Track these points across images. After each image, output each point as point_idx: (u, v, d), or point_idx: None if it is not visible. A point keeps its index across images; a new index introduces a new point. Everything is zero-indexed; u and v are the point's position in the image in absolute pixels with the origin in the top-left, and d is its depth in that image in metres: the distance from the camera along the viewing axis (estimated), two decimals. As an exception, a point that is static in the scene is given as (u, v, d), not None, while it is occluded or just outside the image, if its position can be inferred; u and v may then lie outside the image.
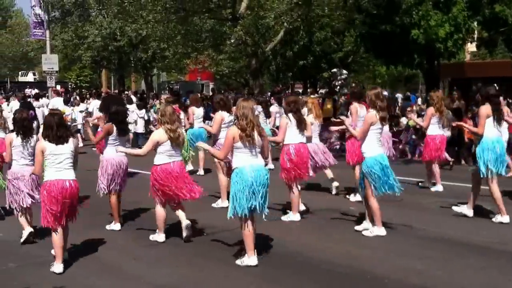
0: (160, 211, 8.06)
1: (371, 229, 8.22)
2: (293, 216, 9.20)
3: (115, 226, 8.91)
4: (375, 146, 8.14)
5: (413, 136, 16.66)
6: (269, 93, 25.81)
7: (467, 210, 9.25)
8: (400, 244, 7.86)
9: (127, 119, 9.58)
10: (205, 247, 7.86)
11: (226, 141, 6.97)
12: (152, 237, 8.22)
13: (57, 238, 6.96)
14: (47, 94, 27.34)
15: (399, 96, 20.66)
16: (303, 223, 9.15)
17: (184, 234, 8.04)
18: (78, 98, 25.02)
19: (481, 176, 8.84)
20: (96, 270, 7.02)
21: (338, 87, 20.69)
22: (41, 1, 29.71)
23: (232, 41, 27.79)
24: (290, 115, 9.22)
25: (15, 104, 19.94)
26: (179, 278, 6.69)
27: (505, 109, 10.95)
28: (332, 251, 7.55)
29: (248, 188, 6.82)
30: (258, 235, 8.26)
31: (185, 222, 8.07)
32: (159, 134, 7.94)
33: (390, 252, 7.48)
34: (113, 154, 8.78)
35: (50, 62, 29.63)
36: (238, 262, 7.00)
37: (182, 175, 8.04)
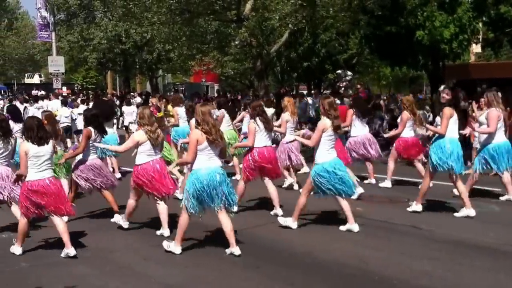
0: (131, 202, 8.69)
1: (287, 221, 8.78)
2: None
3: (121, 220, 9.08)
4: (325, 154, 8.41)
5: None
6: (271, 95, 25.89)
7: (467, 211, 9.43)
8: (407, 245, 7.91)
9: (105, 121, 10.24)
10: (213, 247, 7.93)
11: (191, 145, 7.36)
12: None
13: (22, 224, 7.66)
14: (49, 96, 27.41)
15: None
16: (311, 223, 9.21)
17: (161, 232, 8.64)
18: (78, 100, 25.13)
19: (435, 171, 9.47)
20: (107, 270, 7.11)
21: (343, 88, 20.75)
22: (46, 4, 29.89)
23: (236, 42, 27.86)
24: (257, 119, 9.62)
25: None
26: (189, 277, 6.75)
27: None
28: (340, 252, 7.61)
29: (197, 192, 7.36)
30: (267, 235, 8.46)
31: (164, 217, 8.62)
32: (139, 135, 8.49)
33: (397, 253, 7.54)
34: (87, 157, 9.37)
35: (56, 64, 29.87)
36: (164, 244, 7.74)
37: (161, 171, 8.51)
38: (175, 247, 7.64)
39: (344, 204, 8.64)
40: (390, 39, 19.46)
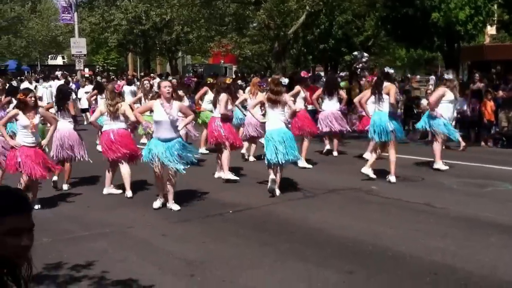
0: (124, 170, 10.00)
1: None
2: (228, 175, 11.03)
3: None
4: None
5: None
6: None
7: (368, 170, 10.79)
8: (421, 222, 7.98)
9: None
10: (231, 224, 8.16)
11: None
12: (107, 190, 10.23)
13: None
14: (58, 77, 28.04)
15: (432, 78, 20.69)
16: (326, 201, 9.43)
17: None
18: (85, 80, 26.09)
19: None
20: (127, 245, 7.26)
21: (359, 70, 20.95)
22: (69, -14, 30.33)
23: (254, 24, 28.16)
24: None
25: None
26: (207, 253, 6.86)
27: None
28: (355, 229, 7.69)
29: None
30: (283, 213, 8.68)
31: (127, 182, 9.97)
32: (101, 106, 10.24)
33: (411, 230, 7.59)
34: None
35: (79, 45, 30.37)
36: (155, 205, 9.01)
37: (121, 140, 9.96)
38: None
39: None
40: (406, 21, 19.58)
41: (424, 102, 17.97)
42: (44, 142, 9.32)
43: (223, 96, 11.26)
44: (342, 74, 23.84)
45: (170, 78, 19.22)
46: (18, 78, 32.40)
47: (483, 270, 6.12)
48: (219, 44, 35.64)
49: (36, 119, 9.01)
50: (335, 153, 14.09)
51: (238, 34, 30.41)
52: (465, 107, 16.60)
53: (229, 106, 11.45)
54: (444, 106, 11.71)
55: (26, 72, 42.88)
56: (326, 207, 9.06)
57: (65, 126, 10.64)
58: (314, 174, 11.63)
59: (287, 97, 10.04)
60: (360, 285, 5.79)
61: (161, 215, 8.77)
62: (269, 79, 10.81)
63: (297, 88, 12.54)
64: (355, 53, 23.18)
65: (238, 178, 11.16)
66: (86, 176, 11.35)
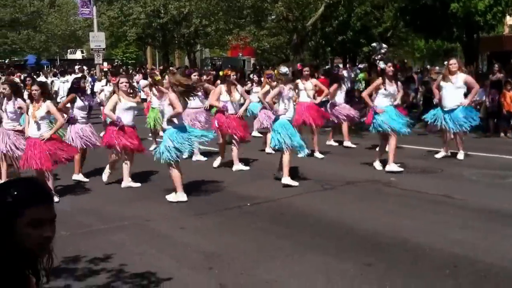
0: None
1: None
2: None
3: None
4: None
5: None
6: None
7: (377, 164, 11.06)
8: (440, 214, 7.94)
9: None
10: (249, 217, 8.17)
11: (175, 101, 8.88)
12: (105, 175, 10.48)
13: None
14: (75, 71, 28.37)
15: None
16: (344, 193, 9.42)
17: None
18: (102, 74, 26.38)
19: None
20: (146, 239, 7.30)
21: (378, 61, 20.81)
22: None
23: (273, 17, 28.10)
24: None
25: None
26: (225, 246, 6.88)
27: None
28: (373, 221, 7.67)
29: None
30: (301, 205, 8.68)
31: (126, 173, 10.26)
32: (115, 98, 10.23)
33: (430, 222, 7.56)
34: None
35: (97, 39, 30.52)
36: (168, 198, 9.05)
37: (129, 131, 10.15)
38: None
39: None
40: (425, 12, 19.45)
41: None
42: (46, 135, 9.26)
43: (217, 88, 11.78)
44: (361, 66, 23.70)
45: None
46: (35, 72, 32.70)
47: (503, 261, 6.08)
48: (237, 37, 35.61)
49: (40, 111, 9.19)
50: (346, 143, 14.23)
51: (256, 27, 30.33)
52: (484, 98, 16.46)
53: (226, 97, 11.67)
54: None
55: (45, 67, 43.26)
56: (344, 200, 9.04)
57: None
58: (332, 166, 11.60)
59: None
60: (379, 278, 5.76)
61: (179, 208, 8.80)
62: (275, 71, 10.92)
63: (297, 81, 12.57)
64: (374, 44, 23.02)
65: (247, 167, 11.51)
66: (103, 169, 11.38)
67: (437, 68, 28.87)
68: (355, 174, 10.62)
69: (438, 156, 12.07)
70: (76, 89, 11.06)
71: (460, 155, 11.88)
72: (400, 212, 8.14)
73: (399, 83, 11.46)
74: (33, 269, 2.17)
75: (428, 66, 32.79)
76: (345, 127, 14.33)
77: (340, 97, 14.37)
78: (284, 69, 10.26)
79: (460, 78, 11.58)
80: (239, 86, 12.10)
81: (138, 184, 10.32)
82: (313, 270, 5.99)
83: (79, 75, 23.66)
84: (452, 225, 7.42)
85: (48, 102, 9.44)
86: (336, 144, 14.44)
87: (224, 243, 7.04)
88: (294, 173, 10.86)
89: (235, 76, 12.19)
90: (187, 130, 9.20)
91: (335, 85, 14.21)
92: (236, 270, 6.07)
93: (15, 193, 2.06)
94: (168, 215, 8.44)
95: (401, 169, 10.81)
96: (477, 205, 8.42)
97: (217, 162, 11.91)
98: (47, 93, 9.95)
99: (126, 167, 10.32)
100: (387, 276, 5.78)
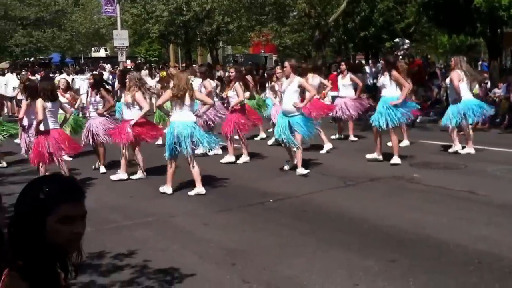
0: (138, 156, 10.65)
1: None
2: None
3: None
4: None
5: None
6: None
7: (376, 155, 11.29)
8: (464, 210, 7.91)
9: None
10: (272, 213, 8.19)
11: (163, 97, 9.60)
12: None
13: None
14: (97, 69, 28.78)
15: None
16: (367, 190, 9.39)
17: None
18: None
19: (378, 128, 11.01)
20: (169, 234, 7.36)
21: (400, 57, 20.69)
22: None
23: (295, 13, 28.06)
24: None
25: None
26: (248, 242, 6.91)
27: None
28: (397, 218, 7.65)
29: (173, 138, 9.06)
30: (324, 201, 8.68)
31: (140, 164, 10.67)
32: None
33: (455, 218, 7.52)
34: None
35: (121, 37, 30.70)
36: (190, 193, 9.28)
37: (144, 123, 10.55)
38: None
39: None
40: (448, 7, 19.22)
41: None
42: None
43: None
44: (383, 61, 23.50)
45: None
46: (59, 70, 33.06)
47: (528, 258, 6.02)
48: (259, 33, 35.59)
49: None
50: (352, 138, 14.50)
51: (278, 23, 30.29)
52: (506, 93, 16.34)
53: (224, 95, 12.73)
54: None
55: (69, 65, 43.60)
56: (367, 196, 9.00)
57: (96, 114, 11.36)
58: (355, 162, 11.54)
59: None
60: (403, 274, 5.74)
61: (203, 204, 8.85)
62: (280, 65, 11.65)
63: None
64: (397, 40, 22.93)
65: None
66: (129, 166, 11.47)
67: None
68: (378, 170, 10.57)
69: (462, 151, 11.94)
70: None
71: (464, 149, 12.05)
72: (424, 208, 8.10)
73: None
74: (62, 265, 2.19)
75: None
76: (351, 122, 14.55)
77: (346, 91, 14.35)
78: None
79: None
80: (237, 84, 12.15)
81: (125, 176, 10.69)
82: (336, 266, 5.99)
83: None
84: (476, 221, 7.38)
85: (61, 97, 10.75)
86: (356, 139, 14.47)
87: (247, 239, 7.07)
88: (316, 169, 10.88)
89: (233, 73, 12.40)
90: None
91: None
92: (259, 266, 6.10)
93: (47, 189, 2.08)
94: (191, 212, 8.48)
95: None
96: (501, 201, 8.35)
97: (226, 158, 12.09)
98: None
99: (139, 158, 10.71)
100: (411, 273, 5.76)
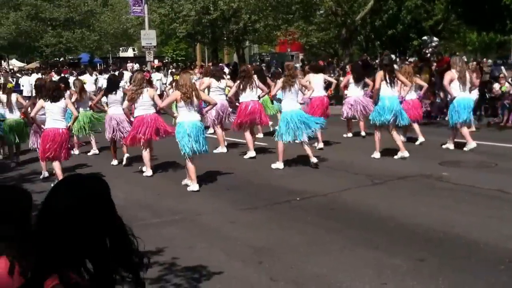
0: (144, 154, 10.87)
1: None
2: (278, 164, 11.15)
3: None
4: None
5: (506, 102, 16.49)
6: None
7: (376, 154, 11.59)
8: (494, 209, 7.83)
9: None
10: (299, 211, 8.16)
11: (169, 98, 10.03)
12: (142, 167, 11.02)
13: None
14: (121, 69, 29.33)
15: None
16: (395, 188, 9.30)
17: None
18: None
19: (377, 124, 11.42)
20: (196, 232, 7.40)
21: (429, 54, 20.47)
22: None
23: (321, 11, 27.97)
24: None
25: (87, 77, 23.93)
26: (275, 240, 6.90)
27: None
28: (426, 216, 7.57)
29: (188, 137, 9.32)
30: (351, 200, 8.63)
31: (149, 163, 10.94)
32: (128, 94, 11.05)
33: (485, 217, 7.45)
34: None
35: (149, 37, 30.93)
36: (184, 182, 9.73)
37: (152, 123, 10.68)
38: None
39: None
40: (477, 4, 19.03)
41: (496, 86, 17.46)
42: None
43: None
44: (411, 59, 23.35)
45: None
46: (81, 70, 33.56)
47: (560, 258, 5.93)
48: (285, 32, 35.55)
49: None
50: (362, 133, 14.62)
51: (305, 22, 30.24)
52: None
53: (219, 93, 13.52)
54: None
55: (97, 65, 44.08)
56: (395, 194, 8.93)
57: (116, 111, 11.90)
58: (383, 161, 11.46)
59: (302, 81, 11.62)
60: (432, 273, 5.69)
61: (230, 202, 8.87)
62: (285, 65, 12.10)
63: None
64: (425, 37, 22.66)
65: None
66: (157, 164, 11.56)
67: (489, 61, 28.35)
68: (406, 168, 10.48)
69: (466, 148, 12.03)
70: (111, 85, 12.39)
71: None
72: (453, 207, 8.01)
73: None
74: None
75: (483, 60, 32.07)
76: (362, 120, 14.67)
77: (356, 90, 14.41)
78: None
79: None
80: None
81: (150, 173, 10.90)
82: (364, 265, 5.96)
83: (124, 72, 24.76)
84: (507, 220, 7.29)
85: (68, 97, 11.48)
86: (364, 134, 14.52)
87: (274, 237, 7.06)
88: (342, 167, 10.84)
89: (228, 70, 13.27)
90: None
91: (346, 78, 14.80)
92: (286, 264, 6.09)
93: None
94: (218, 210, 8.50)
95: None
96: (533, 199, 8.20)
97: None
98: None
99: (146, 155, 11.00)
100: (440, 272, 5.70)
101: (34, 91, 13.37)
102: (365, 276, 5.68)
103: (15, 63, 55.32)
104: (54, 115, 10.10)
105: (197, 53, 49.43)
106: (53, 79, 17.84)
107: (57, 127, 10.10)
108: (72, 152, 11.73)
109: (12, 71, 40.27)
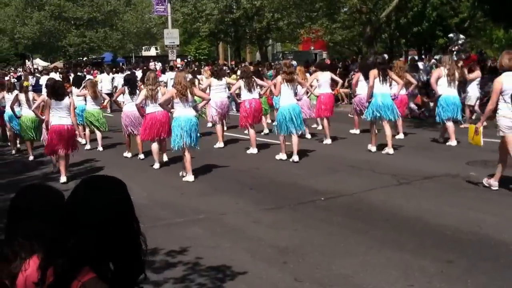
0: (153, 145, 11.64)
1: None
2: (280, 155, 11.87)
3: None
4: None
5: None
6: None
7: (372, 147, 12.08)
8: None
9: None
10: (323, 211, 8.08)
11: (166, 95, 10.49)
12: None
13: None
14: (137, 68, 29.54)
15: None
16: (421, 188, 9.16)
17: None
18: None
19: (369, 119, 12.00)
20: (219, 232, 7.35)
21: (455, 52, 20.24)
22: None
23: (345, 9, 27.80)
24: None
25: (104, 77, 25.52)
26: (299, 241, 6.84)
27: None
28: (453, 217, 7.46)
29: (180, 130, 9.98)
30: (377, 200, 8.52)
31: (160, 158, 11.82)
32: (144, 92, 11.59)
33: None
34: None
35: (172, 36, 31.08)
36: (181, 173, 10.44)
37: (163, 120, 11.56)
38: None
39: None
40: (504, 1, 18.76)
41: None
42: None
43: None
44: (437, 57, 23.10)
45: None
46: (99, 69, 33.90)
47: None
48: (309, 30, 35.43)
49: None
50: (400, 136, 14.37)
51: (328, 20, 30.08)
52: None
53: (210, 90, 14.15)
54: None
55: (120, 64, 44.34)
56: (422, 194, 8.80)
57: (130, 108, 12.57)
58: (409, 160, 11.33)
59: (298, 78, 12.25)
60: (460, 275, 5.59)
61: (253, 202, 8.82)
62: (282, 63, 13.08)
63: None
64: (451, 35, 22.42)
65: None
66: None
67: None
68: (432, 168, 10.33)
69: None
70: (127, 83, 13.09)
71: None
72: (481, 208, 7.88)
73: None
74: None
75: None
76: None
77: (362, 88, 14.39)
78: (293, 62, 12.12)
79: None
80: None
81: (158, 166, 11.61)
82: (390, 266, 5.87)
83: (138, 71, 25.10)
84: (538, 221, 7.13)
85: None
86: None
87: (298, 238, 7.00)
88: (367, 167, 10.73)
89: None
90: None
91: (356, 77, 14.90)
92: (311, 265, 6.02)
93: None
94: (242, 209, 8.45)
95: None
96: None
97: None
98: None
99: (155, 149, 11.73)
100: (468, 274, 5.60)
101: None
102: (391, 277, 5.60)
103: (39, 63, 55.89)
104: (60, 113, 10.57)
105: (219, 51, 49.50)
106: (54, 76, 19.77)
107: (63, 123, 10.60)
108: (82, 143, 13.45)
109: (36, 70, 40.64)
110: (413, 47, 33.51)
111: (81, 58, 51.67)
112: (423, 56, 27.61)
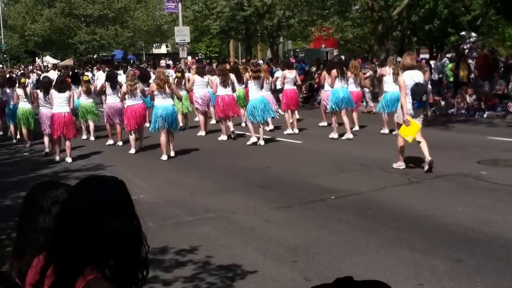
0: (162, 138, 12.52)
1: None
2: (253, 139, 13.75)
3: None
4: None
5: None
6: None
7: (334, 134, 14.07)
8: None
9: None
10: (333, 210, 8.09)
11: (149, 89, 12.78)
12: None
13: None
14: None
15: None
16: (432, 187, 9.14)
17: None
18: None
19: (330, 110, 14.30)
20: (230, 231, 7.36)
21: (467, 50, 20.14)
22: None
23: (357, 7, 27.72)
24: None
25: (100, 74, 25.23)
26: (309, 240, 6.85)
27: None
28: (464, 216, 7.46)
29: (158, 118, 12.13)
30: (387, 199, 8.53)
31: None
32: (124, 87, 13.60)
33: None
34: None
35: (182, 34, 31.05)
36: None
37: (141, 111, 13.69)
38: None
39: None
40: (517, -2, 18.65)
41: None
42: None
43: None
44: (448, 55, 22.98)
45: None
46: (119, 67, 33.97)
47: None
48: (320, 28, 35.34)
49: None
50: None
51: (340, 17, 30.00)
52: None
53: (202, 86, 16.36)
54: None
55: (131, 61, 44.50)
56: (432, 193, 8.79)
57: (112, 100, 14.82)
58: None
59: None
60: (470, 274, 5.58)
61: (264, 200, 8.83)
62: (250, 63, 16.05)
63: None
64: (463, 33, 22.31)
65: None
66: (190, 162, 11.60)
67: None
68: (443, 167, 10.28)
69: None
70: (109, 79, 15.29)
71: None
72: (491, 207, 7.86)
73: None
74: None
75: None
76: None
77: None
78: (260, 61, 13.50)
79: None
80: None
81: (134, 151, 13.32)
82: (400, 266, 5.88)
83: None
84: (548, 221, 7.10)
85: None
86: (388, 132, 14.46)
87: (309, 236, 7.01)
88: (378, 165, 10.71)
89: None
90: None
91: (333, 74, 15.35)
92: (321, 264, 6.03)
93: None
94: (253, 208, 8.46)
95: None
96: None
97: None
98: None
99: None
100: (478, 273, 5.60)
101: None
102: (401, 276, 5.60)
103: (49, 60, 56.10)
104: (60, 102, 12.57)
105: (230, 49, 49.52)
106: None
107: (61, 111, 12.50)
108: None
109: (46, 68, 40.77)
110: (424, 45, 33.33)
111: (91, 56, 51.79)
112: (434, 54, 27.47)
